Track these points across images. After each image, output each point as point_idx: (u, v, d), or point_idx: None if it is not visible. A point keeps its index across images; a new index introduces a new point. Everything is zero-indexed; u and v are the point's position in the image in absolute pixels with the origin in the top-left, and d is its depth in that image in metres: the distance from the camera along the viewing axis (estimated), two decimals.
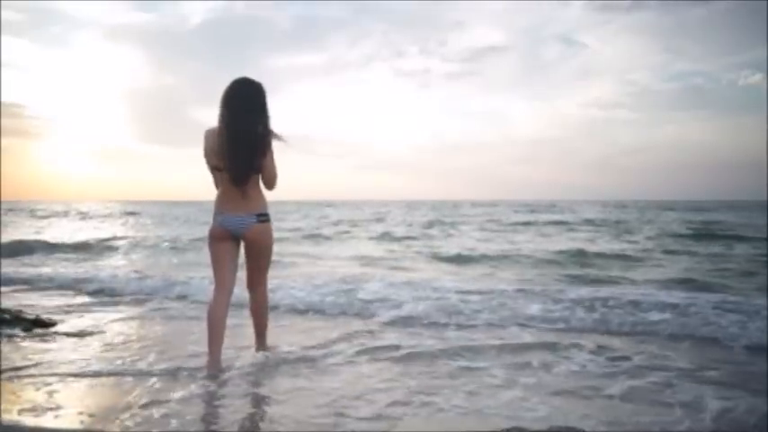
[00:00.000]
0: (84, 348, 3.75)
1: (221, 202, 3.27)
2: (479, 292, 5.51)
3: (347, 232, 17.90)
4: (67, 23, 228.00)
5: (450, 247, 12.33)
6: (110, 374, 3.15)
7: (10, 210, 36.49)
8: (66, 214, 32.69)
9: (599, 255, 10.55)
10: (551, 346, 3.80)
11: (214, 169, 3.27)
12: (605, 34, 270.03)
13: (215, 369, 3.19)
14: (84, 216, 30.40)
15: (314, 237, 15.87)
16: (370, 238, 15.60)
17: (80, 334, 4.16)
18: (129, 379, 3.06)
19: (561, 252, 10.74)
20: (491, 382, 3.08)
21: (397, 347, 3.74)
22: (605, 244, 13.10)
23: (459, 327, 4.46)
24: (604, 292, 5.63)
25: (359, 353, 3.64)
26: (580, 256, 10.27)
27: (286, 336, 4.08)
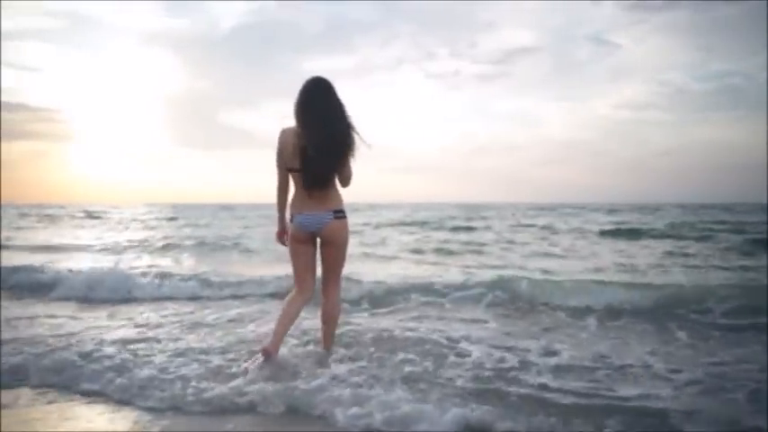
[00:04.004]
0: None
1: (299, 202, 3.23)
2: None
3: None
4: (104, 30, 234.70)
5: None
6: None
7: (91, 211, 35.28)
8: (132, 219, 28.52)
9: None
10: None
11: (289, 170, 3.20)
12: (637, 34, 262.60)
13: (272, 350, 3.18)
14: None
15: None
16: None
17: None
18: None
19: None
20: None
21: None
22: None
23: None
24: None
25: None
26: None
27: None
